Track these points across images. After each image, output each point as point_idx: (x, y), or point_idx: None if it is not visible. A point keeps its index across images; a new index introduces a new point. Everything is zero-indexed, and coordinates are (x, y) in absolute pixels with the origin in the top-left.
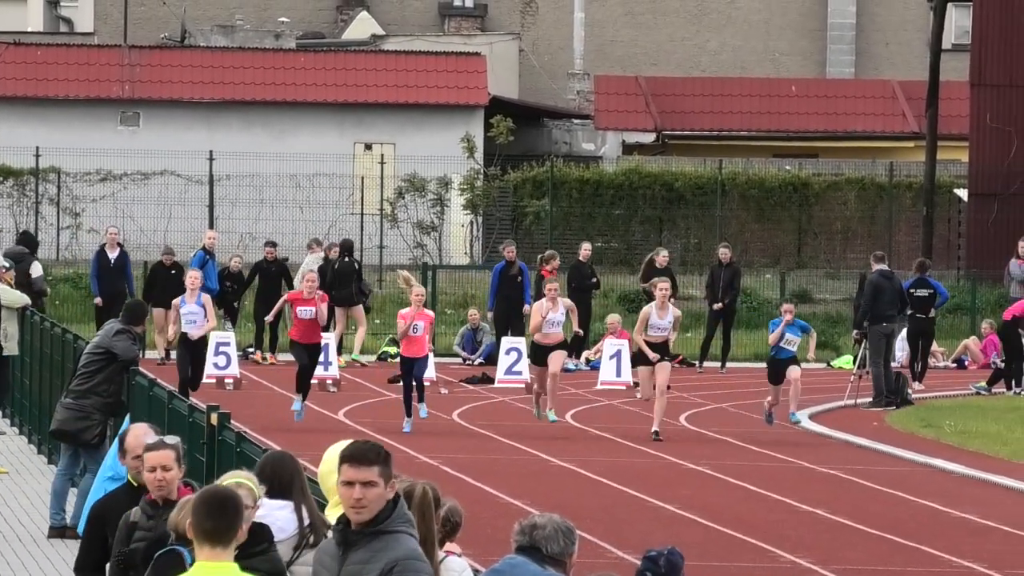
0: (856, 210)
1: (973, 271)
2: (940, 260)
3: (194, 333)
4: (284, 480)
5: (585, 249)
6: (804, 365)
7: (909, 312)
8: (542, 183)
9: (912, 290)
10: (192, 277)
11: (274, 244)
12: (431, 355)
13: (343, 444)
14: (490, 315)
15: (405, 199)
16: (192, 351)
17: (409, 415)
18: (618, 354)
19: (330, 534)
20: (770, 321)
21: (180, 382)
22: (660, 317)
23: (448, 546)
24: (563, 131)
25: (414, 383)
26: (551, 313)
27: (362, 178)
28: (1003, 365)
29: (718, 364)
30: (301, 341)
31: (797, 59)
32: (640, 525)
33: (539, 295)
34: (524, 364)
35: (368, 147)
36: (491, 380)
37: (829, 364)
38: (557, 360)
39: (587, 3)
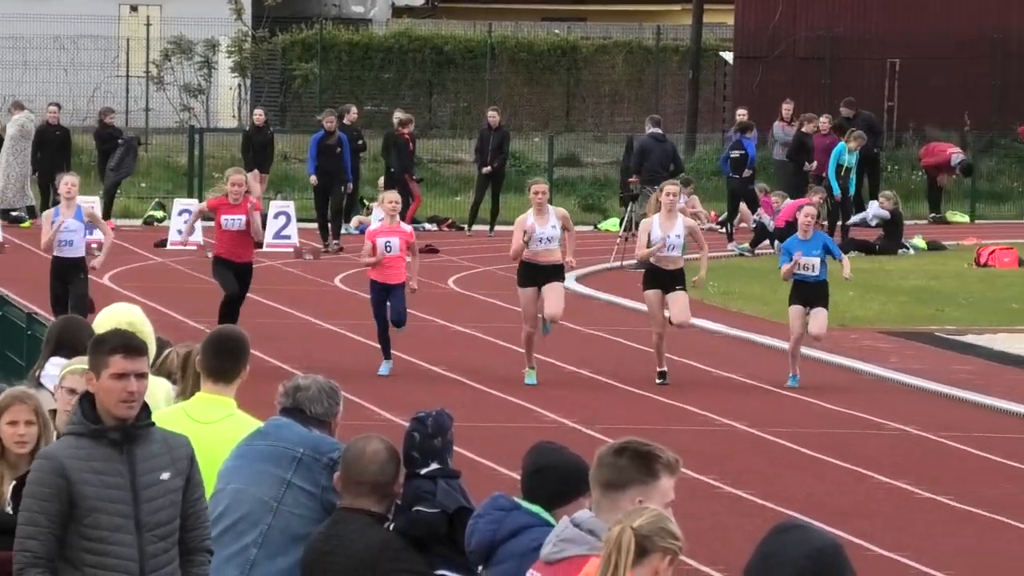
0: (624, 74)
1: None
2: (706, 123)
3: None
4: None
5: (352, 112)
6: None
7: (731, 174)
8: (311, 46)
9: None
10: (68, 184)
11: (58, 106)
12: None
13: (118, 309)
14: (313, 178)
15: (171, 62)
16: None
17: (388, 356)
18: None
19: (68, 437)
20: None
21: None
22: (665, 230)
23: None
24: None
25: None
26: (538, 228)
27: (128, 40)
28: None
29: (487, 227)
30: (228, 258)
31: None
32: (407, 387)
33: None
34: (293, 228)
35: (134, 8)
36: (260, 244)
37: (596, 227)
38: (556, 296)
39: None
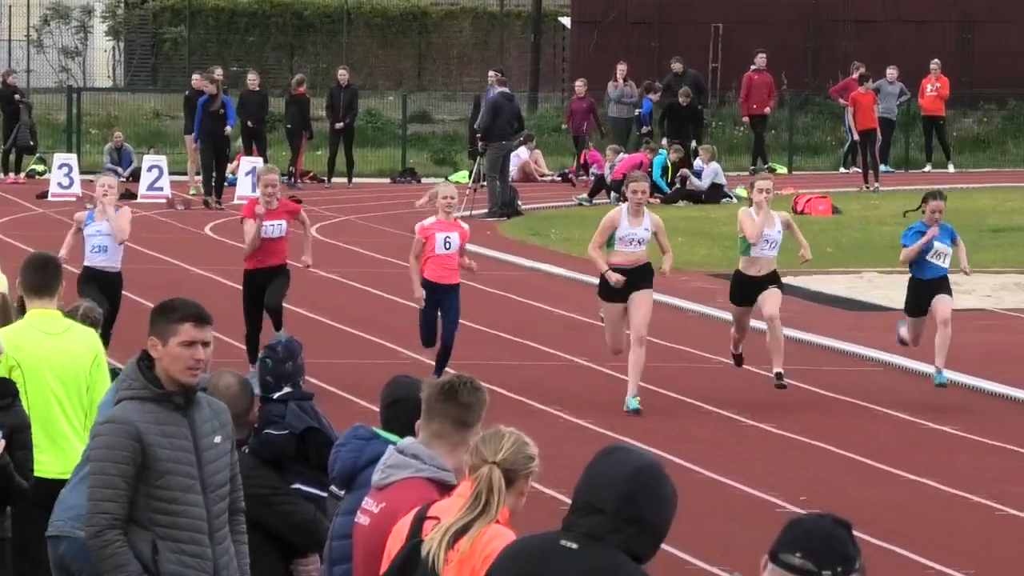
0: (471, 37)
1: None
2: (547, 83)
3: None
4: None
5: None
6: None
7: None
8: (180, 11)
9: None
10: (104, 185)
11: None
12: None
13: None
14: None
15: (50, 26)
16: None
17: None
18: (253, 171)
19: (132, 402)
20: (904, 231)
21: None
22: (633, 225)
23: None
24: None
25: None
26: (632, 227)
27: (9, 6)
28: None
29: (345, 180)
30: (257, 267)
31: None
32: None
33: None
34: (165, 181)
35: None
36: (134, 196)
37: (447, 179)
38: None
39: None
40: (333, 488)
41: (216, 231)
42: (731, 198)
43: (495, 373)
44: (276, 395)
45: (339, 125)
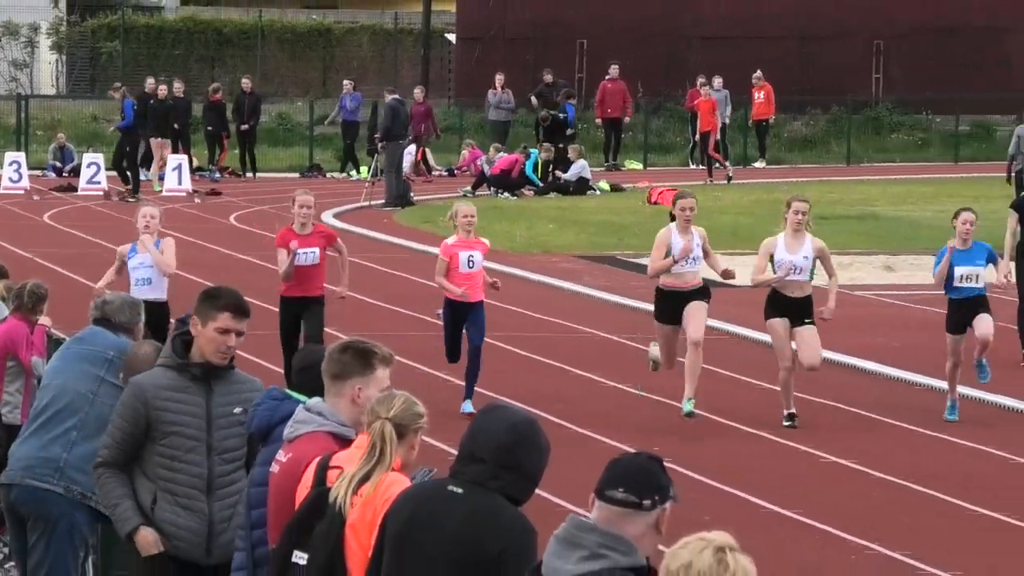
0: (369, 51)
1: (461, 100)
2: (436, 91)
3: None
4: None
5: (150, 83)
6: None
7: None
8: (115, 28)
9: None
10: (147, 216)
11: None
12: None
13: None
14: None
15: (2, 42)
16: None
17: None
18: (179, 167)
19: (159, 368)
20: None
21: None
22: (791, 251)
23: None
24: None
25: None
26: (684, 242)
27: None
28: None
29: (268, 173)
30: (291, 295)
31: None
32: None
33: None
34: (102, 175)
35: None
36: (75, 188)
37: (348, 174)
38: (699, 318)
39: None
40: None
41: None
42: (595, 190)
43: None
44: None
45: (245, 127)
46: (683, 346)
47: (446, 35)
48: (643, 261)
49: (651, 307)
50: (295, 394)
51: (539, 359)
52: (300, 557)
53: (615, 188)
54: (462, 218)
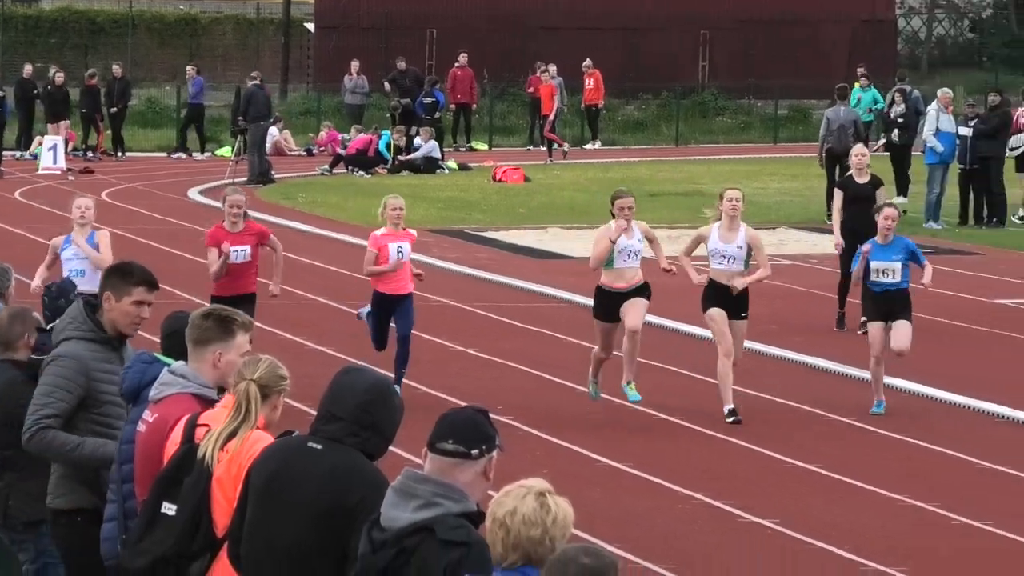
0: (233, 39)
1: (319, 84)
2: (295, 77)
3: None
4: None
5: (27, 70)
6: None
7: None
8: None
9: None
10: (82, 207)
11: None
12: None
13: None
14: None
15: None
16: None
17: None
18: (54, 147)
19: (81, 342)
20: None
21: None
22: (724, 241)
23: None
24: None
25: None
26: (623, 238)
27: None
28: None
29: (140, 153)
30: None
31: None
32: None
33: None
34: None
35: None
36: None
37: (213, 153)
38: (637, 310)
39: None
40: None
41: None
42: (444, 169)
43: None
44: (48, 327)
45: (114, 109)
46: (620, 339)
47: (305, 24)
48: (489, 234)
49: (496, 276)
50: (163, 358)
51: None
52: (169, 508)
53: (463, 167)
54: (391, 211)
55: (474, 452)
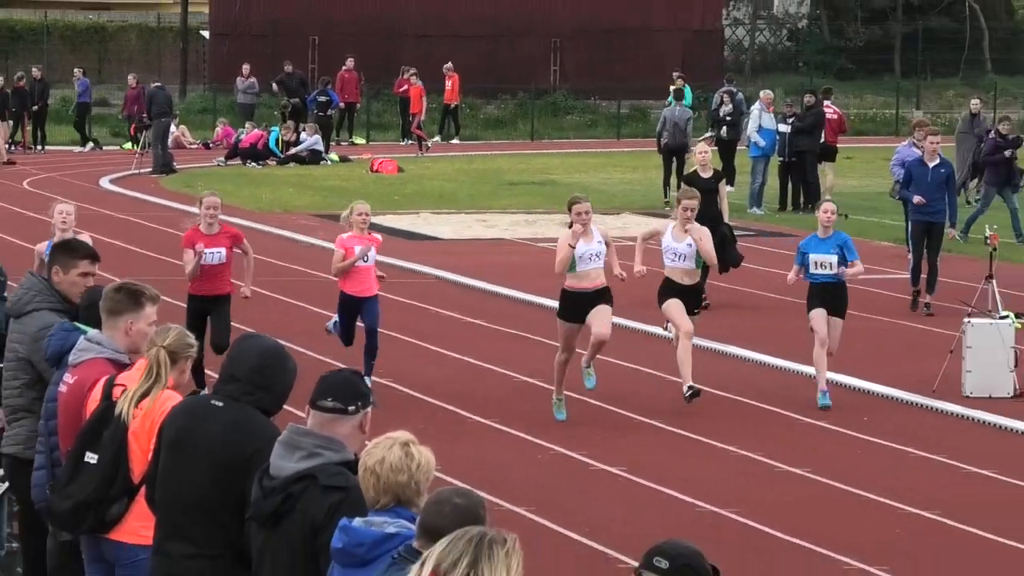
0: (137, 45)
1: (215, 85)
2: (193, 79)
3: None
4: None
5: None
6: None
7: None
8: None
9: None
10: (63, 213)
11: None
12: None
13: None
14: None
15: None
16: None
17: (368, 373)
18: None
19: (52, 312)
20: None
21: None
22: (676, 240)
23: None
24: None
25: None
26: (583, 243)
27: None
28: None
29: (70, 147)
30: (197, 293)
31: None
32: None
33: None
34: None
35: None
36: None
37: (121, 147)
38: (605, 320)
39: None
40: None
41: None
42: (327, 161)
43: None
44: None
45: (35, 108)
46: (585, 340)
47: (201, 32)
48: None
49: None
50: (82, 326)
51: (283, 299)
52: (91, 457)
53: (343, 159)
54: (357, 216)
55: (351, 408)
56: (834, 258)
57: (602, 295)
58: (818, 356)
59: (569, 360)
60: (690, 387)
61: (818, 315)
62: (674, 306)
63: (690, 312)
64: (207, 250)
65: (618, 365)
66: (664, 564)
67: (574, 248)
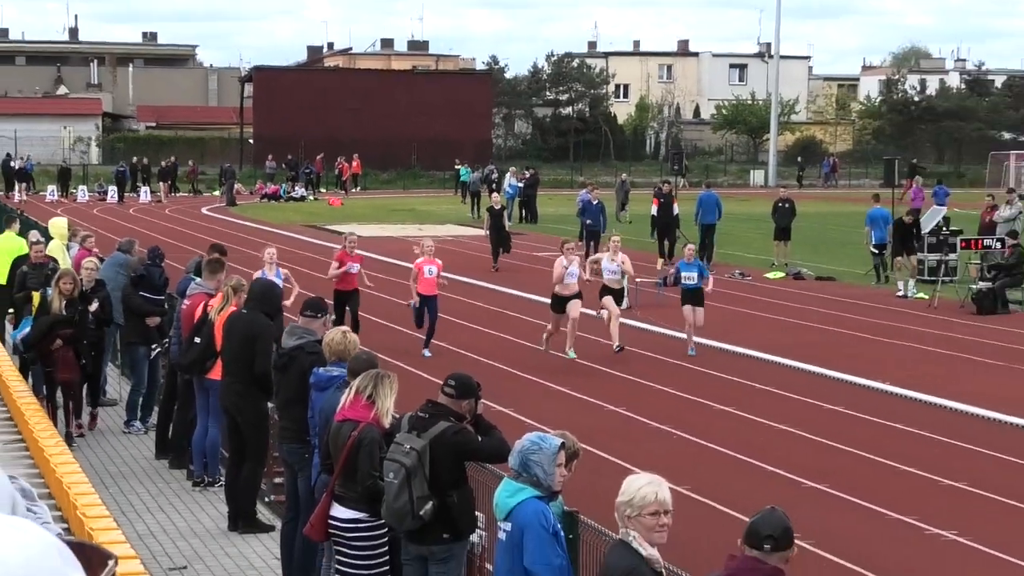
0: (218, 146)
1: (256, 165)
2: (245, 161)
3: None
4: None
5: None
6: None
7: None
8: None
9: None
10: (270, 253)
11: None
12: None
13: None
14: None
15: None
16: None
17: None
18: None
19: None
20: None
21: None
22: (611, 262)
23: None
24: None
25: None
26: (572, 267)
27: None
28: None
29: None
30: (341, 288)
31: None
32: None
33: None
34: None
35: None
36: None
37: (212, 193)
38: (576, 308)
39: None
40: None
41: None
42: (308, 199)
43: None
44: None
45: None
46: (566, 322)
47: (248, 140)
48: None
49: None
50: (193, 276)
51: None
52: (197, 340)
53: (315, 199)
54: (427, 247)
55: (319, 315)
56: (695, 273)
57: (576, 296)
58: (688, 332)
59: (554, 333)
60: (618, 345)
61: (688, 310)
62: (608, 300)
63: (619, 302)
64: (349, 263)
65: (511, 341)
66: (451, 391)
67: (567, 269)
